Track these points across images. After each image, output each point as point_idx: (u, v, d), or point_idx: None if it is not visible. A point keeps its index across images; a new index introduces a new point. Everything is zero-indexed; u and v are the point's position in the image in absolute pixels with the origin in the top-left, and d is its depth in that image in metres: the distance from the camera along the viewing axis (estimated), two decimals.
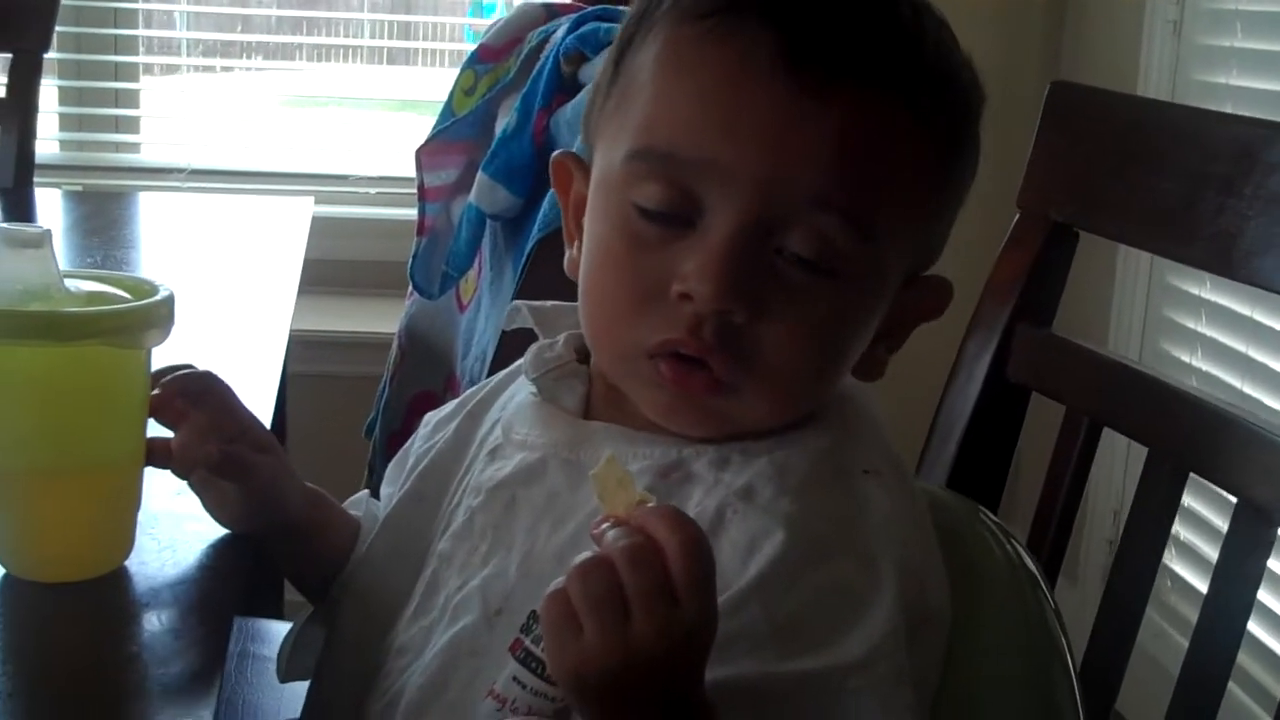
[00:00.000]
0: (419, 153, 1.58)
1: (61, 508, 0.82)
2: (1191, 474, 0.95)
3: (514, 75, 1.49)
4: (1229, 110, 2.07)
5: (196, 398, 0.87)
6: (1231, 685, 0.93)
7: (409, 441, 0.97)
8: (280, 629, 0.94)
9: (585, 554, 0.67)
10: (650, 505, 0.68)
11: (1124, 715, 1.06)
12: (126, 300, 0.81)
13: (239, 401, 0.90)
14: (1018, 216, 1.09)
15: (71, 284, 0.80)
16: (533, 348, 0.88)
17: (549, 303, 0.92)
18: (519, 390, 0.89)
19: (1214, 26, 2.14)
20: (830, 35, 0.75)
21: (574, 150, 0.89)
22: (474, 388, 0.96)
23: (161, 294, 0.81)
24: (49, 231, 0.78)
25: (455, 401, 0.95)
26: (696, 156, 0.75)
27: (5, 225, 0.78)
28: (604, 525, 0.68)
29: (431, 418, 0.96)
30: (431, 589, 0.85)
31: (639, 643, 0.64)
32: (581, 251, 0.84)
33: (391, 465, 0.98)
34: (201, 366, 0.90)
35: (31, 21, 2.06)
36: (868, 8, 0.78)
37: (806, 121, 0.74)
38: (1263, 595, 1.45)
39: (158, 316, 0.80)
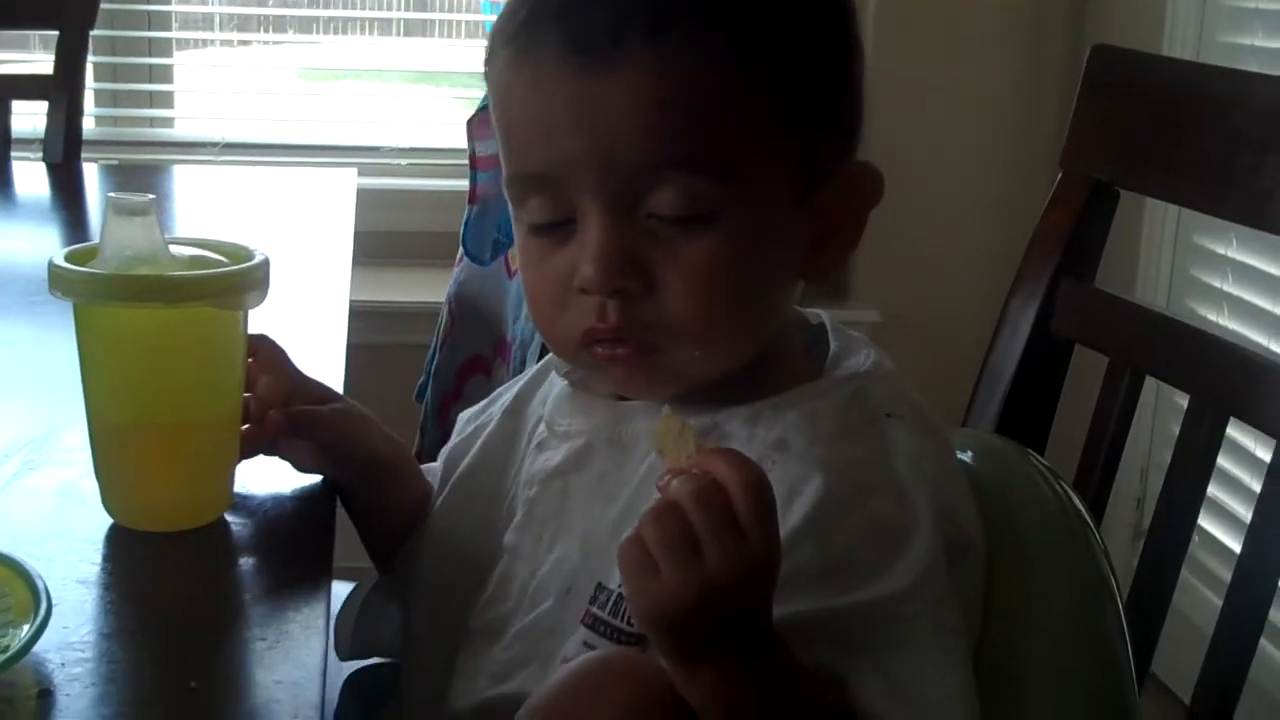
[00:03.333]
0: (469, 124, 1.62)
1: (167, 460, 0.87)
2: (1231, 420, 1.00)
3: None
4: (1254, 70, 2.10)
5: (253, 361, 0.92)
6: (1263, 641, 0.97)
7: (448, 443, 1.01)
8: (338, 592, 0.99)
9: (653, 502, 0.71)
10: (710, 449, 0.72)
11: (1154, 673, 1.09)
12: (226, 264, 0.85)
13: (289, 360, 0.94)
14: (1060, 175, 1.13)
15: (175, 249, 0.85)
16: None
17: None
18: (555, 383, 0.93)
19: None
20: (599, 6, 0.79)
21: None
22: (502, 386, 1.01)
23: (258, 258, 0.86)
24: (154, 199, 0.83)
25: (484, 401, 1.01)
26: (544, 169, 0.81)
27: (114, 195, 0.83)
28: (667, 477, 0.72)
29: (465, 414, 1.01)
30: (504, 579, 0.89)
31: (713, 575, 0.68)
32: None
33: (440, 456, 1.02)
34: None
35: None
36: None
37: (606, 96, 0.78)
38: None
39: (256, 279, 0.85)
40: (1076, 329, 1.11)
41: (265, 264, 0.86)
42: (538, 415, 0.94)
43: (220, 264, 0.85)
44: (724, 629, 0.69)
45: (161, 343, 0.84)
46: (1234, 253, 2.13)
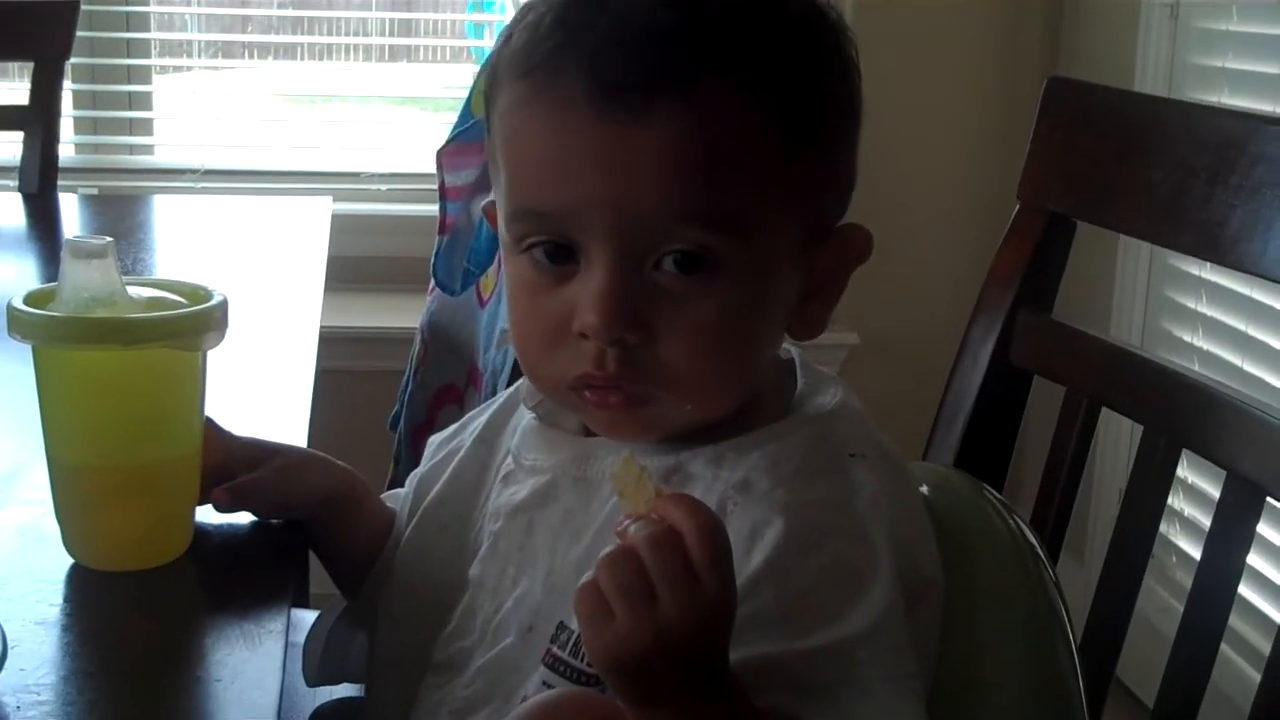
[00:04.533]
0: (440, 154, 1.63)
1: (127, 501, 0.87)
2: (1187, 450, 1.01)
3: None
4: (1226, 93, 2.12)
5: None
6: (1224, 647, 0.98)
7: (418, 469, 1.01)
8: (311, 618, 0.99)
9: (610, 547, 0.72)
10: (667, 495, 0.73)
11: (1129, 686, 1.10)
12: (184, 305, 0.86)
13: (217, 428, 0.94)
14: (1018, 208, 1.14)
15: (133, 290, 0.86)
16: (526, 377, 0.92)
17: None
18: (524, 414, 0.94)
19: (1210, 11, 2.19)
20: (633, 57, 0.77)
21: None
22: (472, 412, 1.01)
23: (216, 298, 0.87)
24: (112, 242, 0.84)
25: (455, 425, 1.01)
26: (555, 208, 0.80)
27: (71, 238, 0.84)
28: (625, 522, 0.72)
29: (434, 440, 1.01)
30: (469, 612, 0.90)
31: (667, 620, 0.68)
32: None
33: (408, 483, 1.02)
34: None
35: (53, 29, 2.10)
36: (667, 13, 0.78)
37: (632, 147, 0.77)
38: (1252, 559, 1.50)
39: (213, 320, 0.86)
40: (1034, 360, 1.12)
41: (223, 305, 0.86)
42: (507, 447, 0.94)
43: (178, 305, 0.86)
44: (680, 673, 0.70)
45: (119, 384, 0.85)
46: (1207, 274, 2.14)
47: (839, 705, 0.75)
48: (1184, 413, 0.98)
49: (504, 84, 0.83)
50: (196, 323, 0.85)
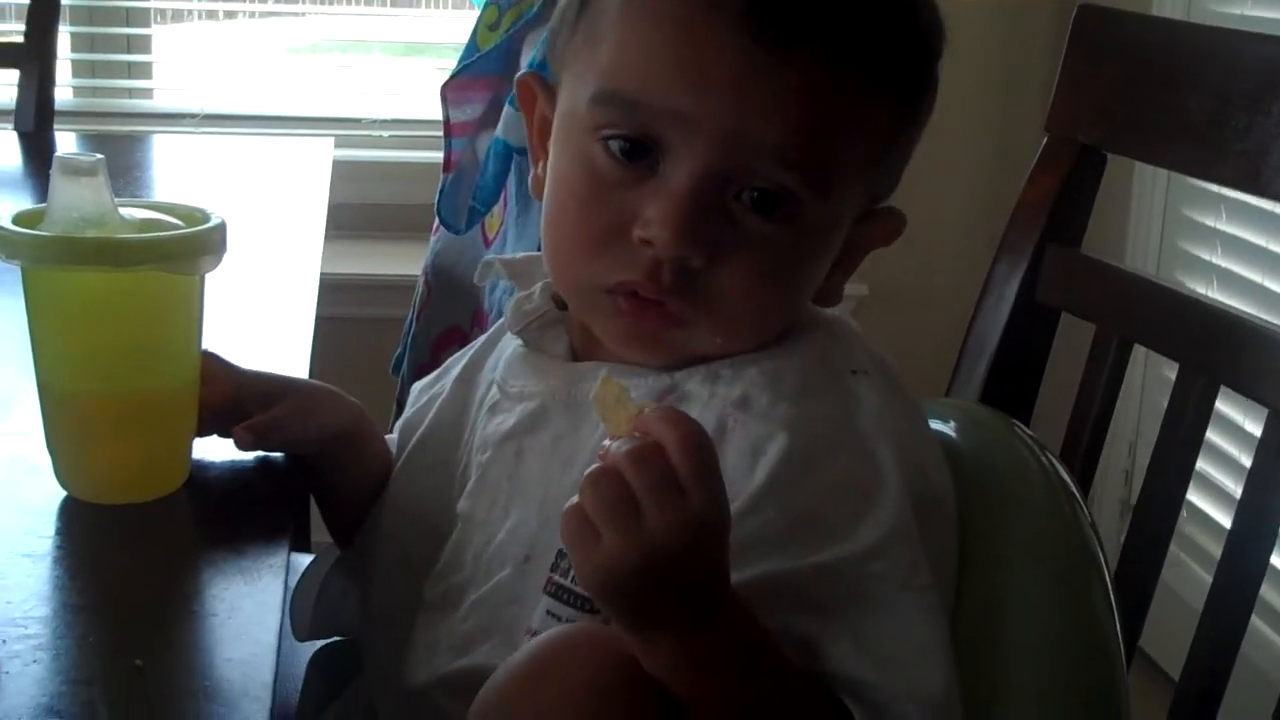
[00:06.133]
0: (444, 89, 1.59)
1: (120, 430, 0.83)
2: (1222, 393, 0.97)
3: (539, 9, 1.49)
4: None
5: None
6: (1254, 618, 0.95)
7: (403, 415, 0.99)
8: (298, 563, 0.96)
9: (593, 467, 0.69)
10: (649, 410, 0.70)
11: (1142, 648, 1.07)
12: (180, 227, 0.82)
13: (227, 364, 0.91)
14: (1046, 139, 1.10)
15: (126, 211, 0.82)
16: (511, 302, 0.90)
17: (520, 255, 0.96)
18: (507, 346, 0.91)
19: None
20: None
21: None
22: (455, 354, 0.98)
23: (214, 221, 0.83)
24: (103, 159, 0.80)
25: (438, 370, 0.98)
26: (660, 106, 0.77)
27: (61, 154, 0.79)
28: (607, 443, 0.70)
29: (417, 386, 0.99)
30: (458, 547, 0.87)
31: (654, 536, 0.66)
32: (546, 176, 0.86)
33: (395, 431, 1.00)
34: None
35: None
36: None
37: (769, 78, 0.76)
38: None
39: (211, 243, 0.82)
40: (1063, 296, 1.08)
41: (220, 228, 0.82)
42: (489, 380, 0.92)
43: (173, 227, 0.82)
44: (674, 591, 0.68)
45: (111, 308, 0.81)
46: (1223, 225, 2.10)
47: (851, 621, 0.74)
48: (1224, 349, 0.94)
49: None
50: (192, 245, 0.81)
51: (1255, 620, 0.95)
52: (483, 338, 0.97)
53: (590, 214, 0.81)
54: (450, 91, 1.58)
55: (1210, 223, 2.13)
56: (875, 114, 0.80)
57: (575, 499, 0.69)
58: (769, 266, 0.80)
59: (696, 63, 0.76)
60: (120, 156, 1.89)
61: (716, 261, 0.79)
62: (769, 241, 0.79)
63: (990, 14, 2.54)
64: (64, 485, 0.84)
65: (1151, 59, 1.06)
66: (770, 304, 0.81)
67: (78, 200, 0.79)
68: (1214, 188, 2.10)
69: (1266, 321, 0.93)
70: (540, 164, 0.88)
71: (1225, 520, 1.42)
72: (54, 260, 0.79)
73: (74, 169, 0.79)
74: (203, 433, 0.88)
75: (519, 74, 0.91)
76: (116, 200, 0.82)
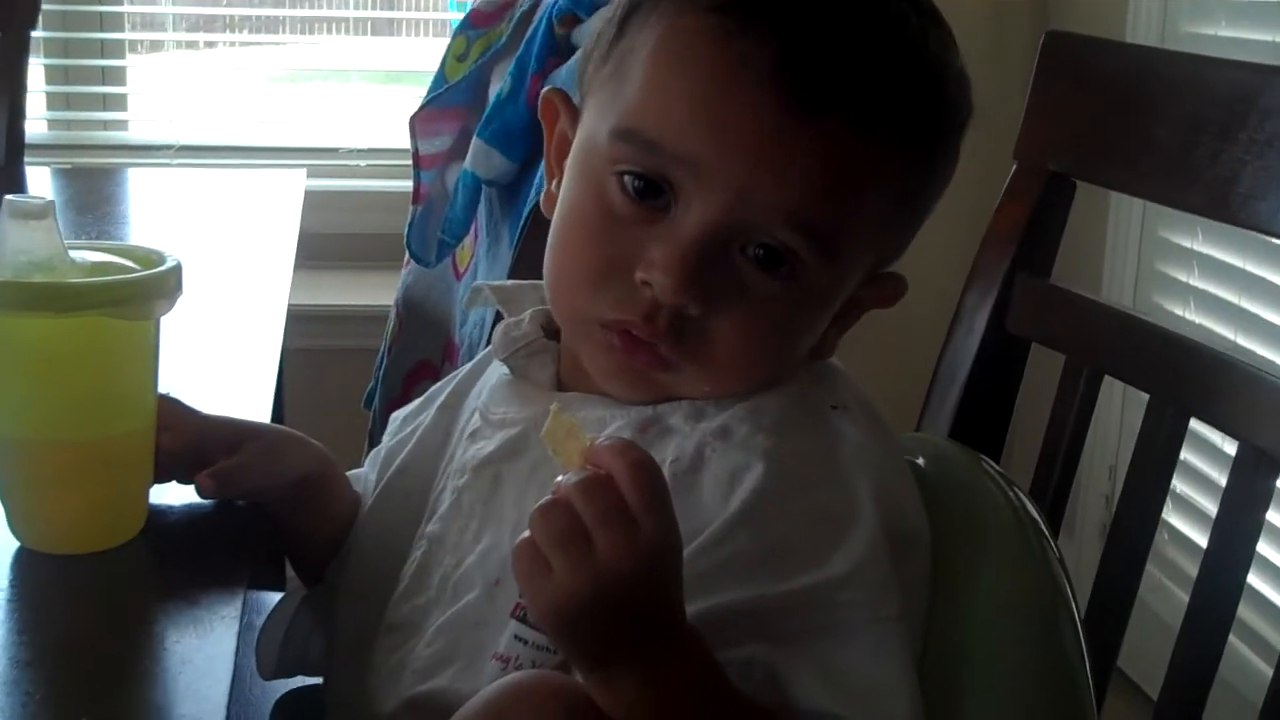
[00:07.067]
0: (413, 120, 1.58)
1: (69, 479, 0.82)
2: (1191, 423, 0.96)
3: (507, 40, 1.48)
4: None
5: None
6: (1232, 638, 0.94)
7: (379, 445, 0.98)
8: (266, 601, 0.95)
9: (544, 500, 0.68)
10: (599, 443, 0.70)
11: (1122, 669, 1.06)
12: (134, 270, 0.81)
13: (189, 410, 0.90)
14: (1015, 168, 1.10)
15: (77, 255, 0.80)
16: (499, 328, 0.89)
17: (510, 281, 0.95)
18: (492, 375, 0.90)
19: None
20: (829, 53, 0.75)
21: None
22: (440, 382, 0.97)
23: (169, 264, 0.81)
24: (53, 203, 0.78)
25: (421, 398, 0.97)
26: (679, 152, 0.76)
27: (10, 197, 0.78)
28: (559, 477, 0.69)
29: (399, 415, 0.98)
30: (423, 570, 0.86)
31: (605, 565, 0.66)
32: (557, 198, 0.85)
33: (368, 461, 0.99)
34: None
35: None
36: (872, 22, 0.78)
37: (790, 140, 0.75)
38: (1263, 548, 1.46)
39: (164, 286, 0.80)
40: (1033, 327, 1.07)
41: (174, 271, 0.81)
42: (472, 408, 0.91)
43: (125, 270, 0.81)
44: (627, 619, 0.67)
45: (59, 354, 0.79)
46: (1199, 246, 2.09)
47: (819, 653, 0.73)
48: (1194, 381, 0.93)
49: (670, 5, 0.79)
50: (143, 289, 0.79)
51: (1233, 639, 0.94)
52: (469, 365, 0.96)
53: (596, 246, 0.80)
54: (419, 123, 1.57)
55: (1187, 244, 2.12)
56: (892, 183, 0.80)
57: (526, 533, 0.68)
58: (766, 323, 0.79)
59: (720, 116, 0.76)
60: (93, 191, 1.88)
61: (714, 312, 0.78)
62: (769, 298, 0.78)
63: (964, 41, 2.54)
64: (16, 535, 0.82)
65: (1120, 85, 1.05)
66: (761, 359, 0.81)
67: (27, 244, 0.78)
68: (1187, 242, 2.10)
69: (1236, 354, 0.93)
70: (554, 181, 0.87)
71: (1203, 541, 1.40)
72: (0, 306, 0.77)
73: (23, 212, 0.78)
74: (163, 479, 0.87)
75: (545, 89, 0.90)
76: (73, 243, 0.80)
